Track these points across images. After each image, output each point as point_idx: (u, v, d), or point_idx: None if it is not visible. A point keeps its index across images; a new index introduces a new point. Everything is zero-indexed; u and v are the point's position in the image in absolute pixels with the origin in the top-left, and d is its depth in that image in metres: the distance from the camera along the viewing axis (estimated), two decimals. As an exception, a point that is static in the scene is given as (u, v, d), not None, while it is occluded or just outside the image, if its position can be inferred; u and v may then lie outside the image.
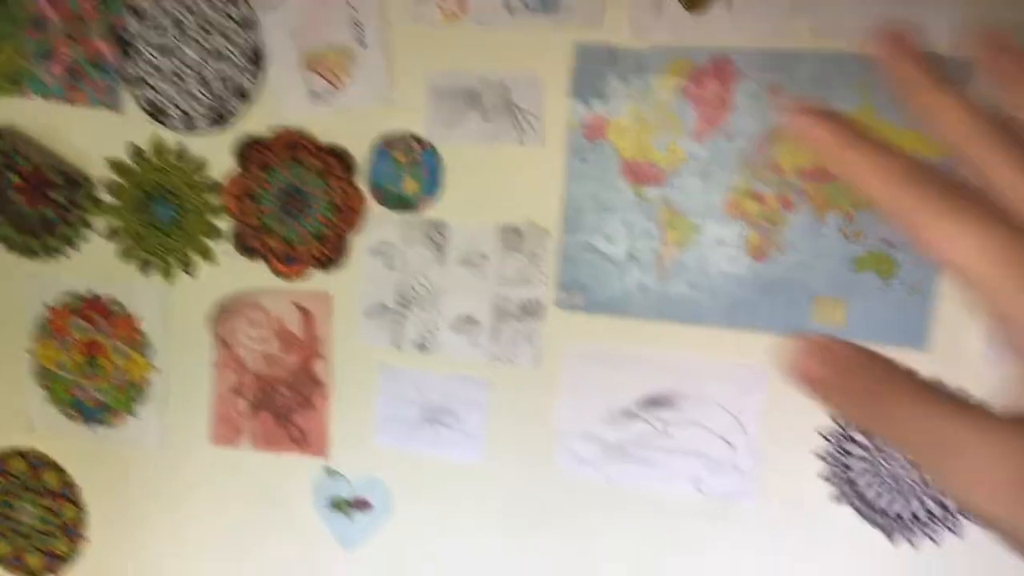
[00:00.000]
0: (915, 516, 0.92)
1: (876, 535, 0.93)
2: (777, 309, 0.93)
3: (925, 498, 0.92)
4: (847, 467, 0.94)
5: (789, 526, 0.95)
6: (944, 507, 0.92)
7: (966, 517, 0.91)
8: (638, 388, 0.98)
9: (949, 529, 0.92)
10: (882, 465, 0.93)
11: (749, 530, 0.96)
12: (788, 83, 0.90)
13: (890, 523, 0.93)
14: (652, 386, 0.98)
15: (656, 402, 0.98)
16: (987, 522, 0.19)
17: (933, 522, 0.92)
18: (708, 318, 0.95)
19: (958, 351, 0.88)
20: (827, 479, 0.94)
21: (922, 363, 0.89)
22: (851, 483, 0.94)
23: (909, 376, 0.20)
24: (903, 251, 0.89)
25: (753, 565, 0.97)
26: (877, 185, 0.20)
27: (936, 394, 0.19)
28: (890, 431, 0.20)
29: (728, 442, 0.96)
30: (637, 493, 0.99)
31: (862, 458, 0.93)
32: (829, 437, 0.93)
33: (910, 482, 0.92)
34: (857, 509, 0.94)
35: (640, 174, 0.95)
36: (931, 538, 0.92)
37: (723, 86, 0.91)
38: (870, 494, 0.93)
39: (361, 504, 1.07)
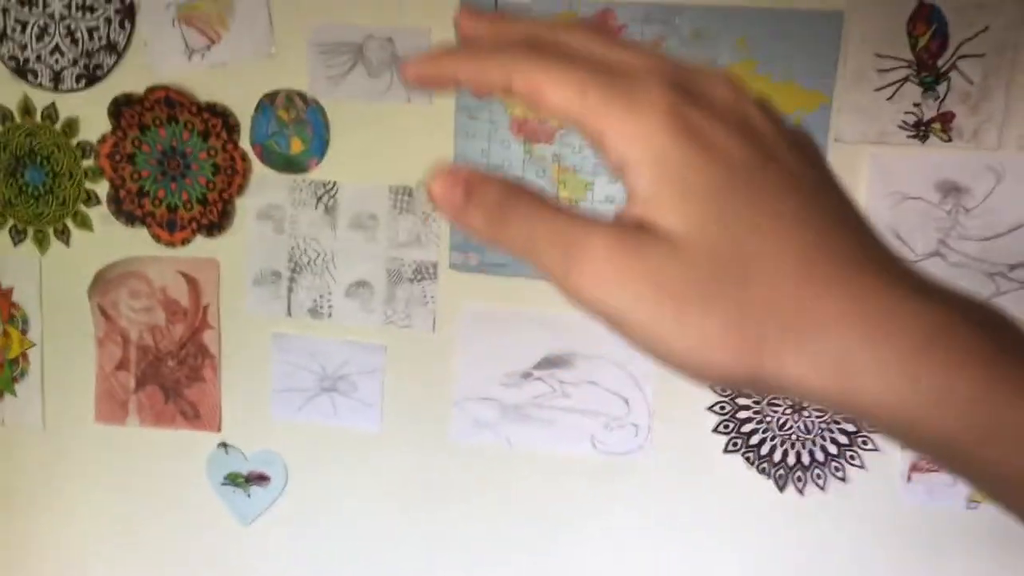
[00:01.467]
0: (800, 463, 0.95)
1: (767, 483, 0.96)
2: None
3: (811, 446, 0.95)
4: (738, 419, 0.95)
5: (685, 479, 0.97)
6: (827, 453, 0.94)
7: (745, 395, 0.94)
8: (535, 349, 0.97)
9: (833, 474, 0.94)
10: (770, 415, 0.95)
11: (646, 484, 0.97)
12: (670, 36, 0.90)
13: (778, 471, 0.96)
14: (549, 346, 0.97)
15: (553, 362, 0.97)
16: (595, 309, 0.21)
17: (818, 468, 0.95)
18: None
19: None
20: (720, 432, 0.96)
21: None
22: (742, 434, 0.95)
23: (532, 193, 0.22)
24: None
25: (652, 518, 0.98)
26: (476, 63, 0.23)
27: (555, 206, 0.22)
28: (518, 242, 0.22)
29: (624, 400, 0.97)
30: (536, 454, 0.98)
31: (752, 410, 0.95)
32: (721, 392, 0.95)
33: (797, 431, 0.94)
34: (748, 459, 0.96)
35: (530, 131, 0.94)
36: (817, 484, 0.95)
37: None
38: (760, 444, 0.95)
39: (258, 479, 1.04)
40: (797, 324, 0.20)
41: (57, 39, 0.97)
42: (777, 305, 0.20)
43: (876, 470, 0.93)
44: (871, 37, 0.88)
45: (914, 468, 0.92)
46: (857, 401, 0.20)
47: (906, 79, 0.88)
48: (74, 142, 0.99)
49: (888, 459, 0.92)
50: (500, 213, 0.22)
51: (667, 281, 0.21)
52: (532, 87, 0.22)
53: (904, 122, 0.88)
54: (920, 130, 0.88)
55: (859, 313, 0.20)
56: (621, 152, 0.22)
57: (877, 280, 0.21)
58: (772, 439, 0.95)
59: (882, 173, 0.89)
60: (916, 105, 0.88)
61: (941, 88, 0.88)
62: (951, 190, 0.88)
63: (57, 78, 0.98)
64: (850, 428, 0.93)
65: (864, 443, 0.93)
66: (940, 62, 0.87)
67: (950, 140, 0.88)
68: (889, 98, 0.88)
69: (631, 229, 0.21)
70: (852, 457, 0.94)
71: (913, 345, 0.20)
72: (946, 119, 0.88)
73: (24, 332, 1.04)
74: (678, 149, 0.21)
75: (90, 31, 0.96)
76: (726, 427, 0.96)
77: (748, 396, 0.94)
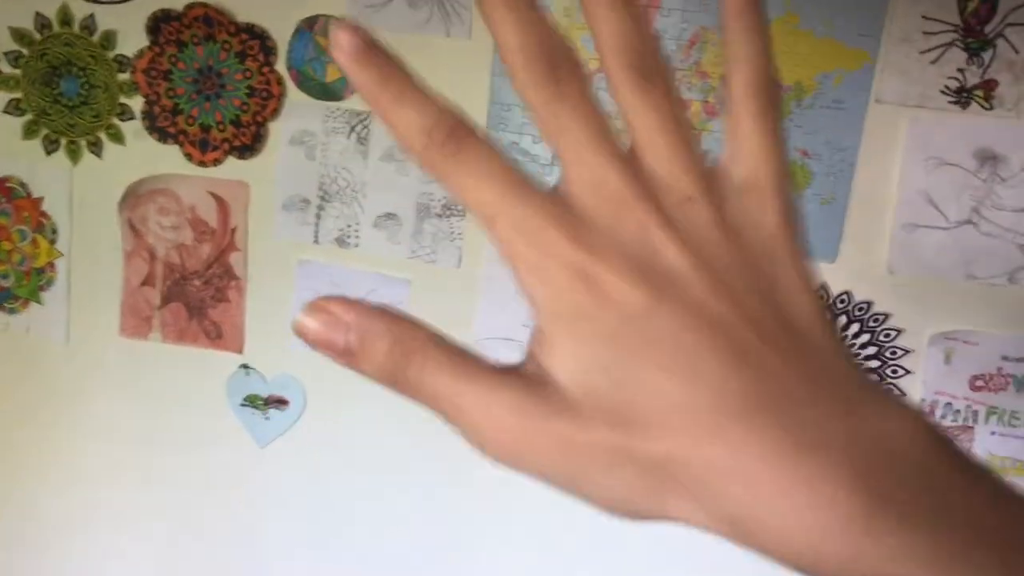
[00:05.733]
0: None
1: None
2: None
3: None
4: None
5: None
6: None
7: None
8: (557, 292, 0.98)
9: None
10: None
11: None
12: (721, -15, 0.89)
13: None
14: (571, 290, 0.98)
15: (574, 306, 0.98)
16: (518, 473, 0.21)
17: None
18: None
19: (866, 265, 0.91)
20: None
21: (833, 276, 0.91)
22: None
23: (425, 340, 0.22)
24: (817, 161, 0.90)
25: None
26: (402, 137, 0.21)
27: (453, 359, 0.22)
28: (418, 398, 0.22)
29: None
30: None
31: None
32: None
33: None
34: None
35: (569, 73, 0.93)
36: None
37: (656, -16, 0.89)
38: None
39: (277, 402, 1.06)
40: (687, 484, 0.20)
41: (99, -52, 0.96)
42: (669, 463, 0.20)
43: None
44: (921, -2, 0.86)
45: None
46: (754, 545, 0.21)
47: (952, 43, 0.87)
48: (111, 55, 0.99)
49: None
50: (397, 370, 0.22)
51: (569, 445, 0.21)
52: (450, 190, 0.22)
53: (947, 87, 0.87)
54: (962, 96, 0.88)
55: (741, 471, 0.20)
56: (523, 285, 0.22)
57: (762, 435, 0.20)
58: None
59: (920, 137, 0.88)
60: (960, 71, 0.87)
61: (986, 55, 0.87)
62: (988, 158, 0.88)
63: (97, -12, 0.97)
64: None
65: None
66: (987, 28, 0.86)
67: (991, 108, 0.87)
68: (933, 62, 0.87)
69: (533, 389, 0.21)
70: (864, 418, 0.95)
71: (791, 505, 0.20)
72: (989, 86, 0.87)
73: (52, 242, 1.05)
74: (573, 296, 0.21)
75: (133, -59, 0.95)
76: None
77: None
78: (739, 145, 0.23)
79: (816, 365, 0.21)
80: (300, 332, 0.21)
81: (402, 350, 0.22)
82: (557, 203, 0.21)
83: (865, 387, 0.21)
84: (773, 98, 0.23)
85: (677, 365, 0.20)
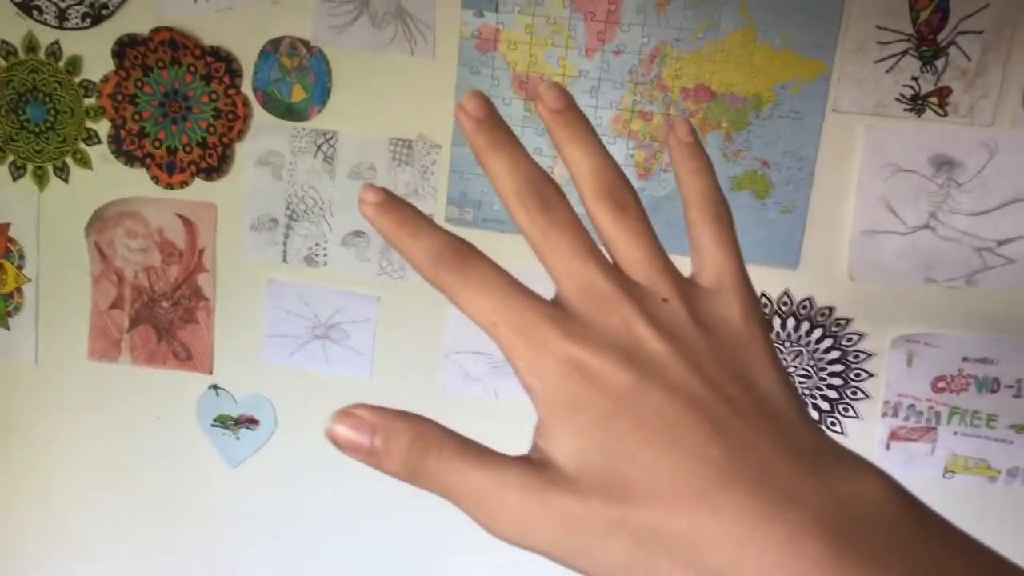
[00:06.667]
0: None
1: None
2: (660, 228, 0.94)
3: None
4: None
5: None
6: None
7: (830, 430, 0.95)
8: (526, 305, 0.98)
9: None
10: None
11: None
12: (675, -3, 0.90)
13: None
14: (540, 304, 0.98)
15: (543, 319, 0.99)
16: (523, 549, 0.23)
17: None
18: (596, 236, 0.96)
19: (827, 271, 0.92)
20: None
21: (795, 282, 0.92)
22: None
23: (440, 436, 0.24)
24: (776, 170, 0.91)
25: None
26: (418, 263, 0.25)
27: (464, 452, 0.24)
28: (436, 490, 0.24)
29: (611, 359, 0.98)
30: (523, 406, 1.00)
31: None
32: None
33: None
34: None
35: (531, 89, 0.94)
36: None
37: (612, 1, 0.91)
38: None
39: (248, 421, 1.06)
40: (677, 548, 0.22)
41: (63, -25, 0.97)
42: (659, 531, 0.22)
43: (855, 437, 0.94)
44: (873, 9, 0.88)
45: (893, 436, 0.94)
46: None
47: (905, 52, 0.89)
48: (77, 80, 0.99)
49: (867, 427, 0.94)
50: (416, 464, 0.24)
51: (570, 518, 0.23)
52: (455, 302, 0.25)
53: (901, 95, 0.89)
54: (916, 104, 0.89)
55: (724, 535, 0.21)
56: (524, 382, 0.25)
57: (739, 499, 0.22)
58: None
59: (877, 145, 0.90)
60: (914, 79, 0.89)
61: (939, 63, 0.89)
62: (944, 164, 0.90)
63: (62, 15, 0.98)
64: (831, 395, 0.95)
65: (845, 410, 0.95)
66: (940, 37, 0.88)
67: (946, 115, 0.89)
68: (888, 71, 0.89)
69: (537, 471, 0.24)
70: (832, 424, 0.95)
71: (768, 565, 0.21)
72: (943, 94, 0.89)
73: (20, 268, 1.05)
74: (567, 385, 0.24)
75: (97, -33, 0.96)
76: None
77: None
78: (702, 256, 0.28)
79: (786, 435, 0.23)
80: (331, 437, 0.24)
81: (421, 445, 0.24)
82: (550, 307, 0.25)
83: (834, 453, 0.24)
84: (723, 216, 0.29)
85: (663, 440, 0.23)
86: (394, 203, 0.26)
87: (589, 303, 0.25)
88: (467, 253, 0.26)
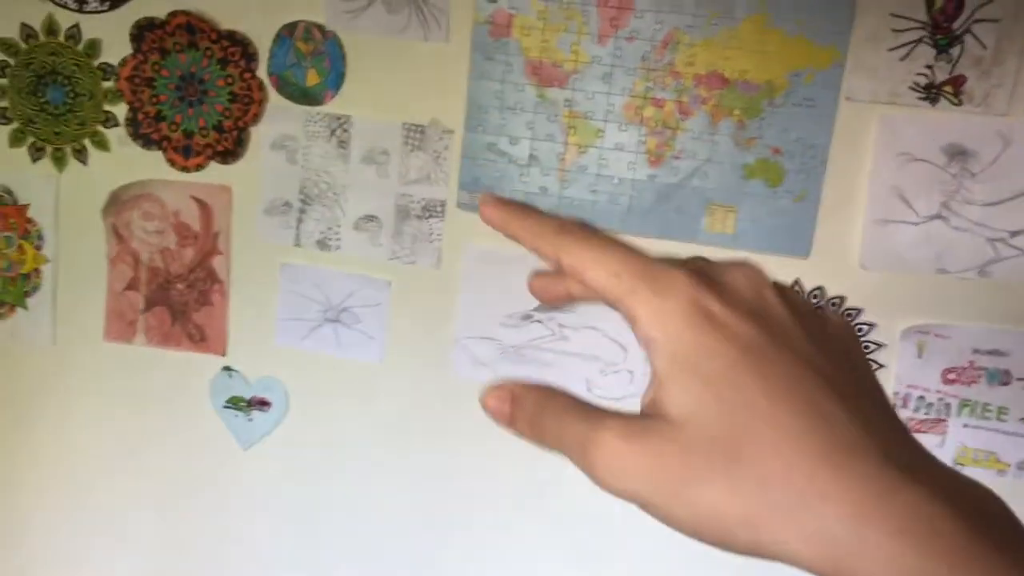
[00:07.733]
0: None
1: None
2: (671, 216, 0.95)
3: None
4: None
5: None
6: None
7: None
8: (536, 291, 0.99)
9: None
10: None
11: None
12: (689, -16, 0.90)
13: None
14: (550, 290, 0.99)
15: (553, 306, 0.99)
16: (617, 495, 0.24)
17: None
18: (606, 223, 0.96)
19: (839, 260, 0.92)
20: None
21: (806, 271, 0.92)
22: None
23: (560, 396, 0.26)
24: (789, 158, 0.91)
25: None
26: (540, 232, 0.28)
27: (578, 407, 0.26)
28: (552, 443, 0.26)
29: (621, 345, 0.99)
30: (531, 394, 1.00)
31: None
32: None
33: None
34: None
35: (544, 75, 0.94)
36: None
37: (627, -14, 0.91)
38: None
39: (260, 404, 1.07)
40: (784, 502, 0.22)
41: (83, -41, 0.98)
42: (767, 482, 0.22)
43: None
44: (888, -4, 0.88)
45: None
46: (844, 570, 0.21)
47: (920, 40, 0.88)
48: (96, 63, 1.01)
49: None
50: (537, 420, 0.26)
51: (667, 464, 0.23)
52: (576, 265, 0.26)
53: (915, 84, 0.89)
54: (931, 92, 0.89)
55: (844, 494, 0.21)
56: (646, 331, 0.25)
57: (866, 464, 0.22)
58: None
59: (891, 134, 0.90)
60: (928, 67, 0.88)
61: (954, 51, 0.88)
62: (958, 154, 0.89)
63: (82, -2, 0.99)
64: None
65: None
66: (955, 25, 0.88)
67: (960, 104, 0.88)
68: (902, 59, 0.89)
69: (638, 420, 0.24)
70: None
71: (893, 528, 0.21)
72: (957, 83, 0.88)
73: (38, 248, 1.06)
74: (692, 332, 0.24)
75: (116, -49, 0.97)
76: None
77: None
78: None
79: (899, 424, 0.25)
80: (484, 406, 0.27)
81: (539, 408, 0.26)
82: (677, 261, 0.26)
83: (928, 454, 0.24)
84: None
85: (788, 395, 0.23)
86: (509, 200, 0.29)
87: (709, 266, 0.27)
88: (588, 224, 0.27)
